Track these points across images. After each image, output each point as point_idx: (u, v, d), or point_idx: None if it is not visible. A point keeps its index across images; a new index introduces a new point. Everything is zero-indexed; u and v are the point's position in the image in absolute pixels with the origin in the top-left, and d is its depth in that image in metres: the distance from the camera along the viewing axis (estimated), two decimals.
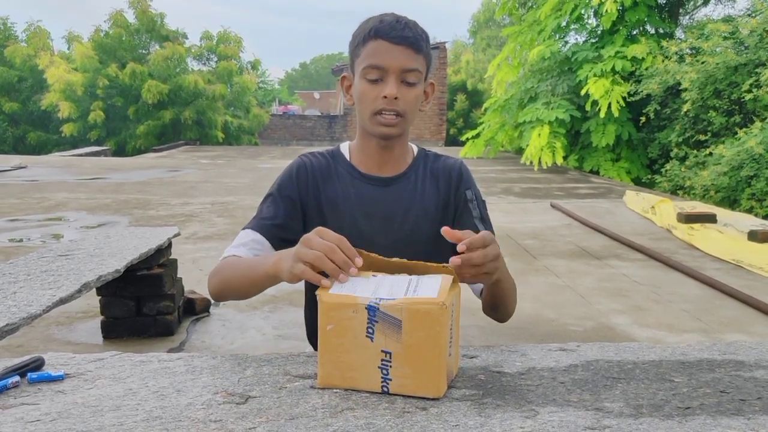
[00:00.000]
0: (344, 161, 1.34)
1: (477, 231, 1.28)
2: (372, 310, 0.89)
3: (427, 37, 1.24)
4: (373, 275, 0.96)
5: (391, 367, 0.90)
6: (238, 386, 0.95)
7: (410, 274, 0.97)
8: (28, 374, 0.97)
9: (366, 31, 1.21)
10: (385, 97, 1.20)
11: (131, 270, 2.73)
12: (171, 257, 3.18)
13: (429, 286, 0.91)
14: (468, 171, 1.38)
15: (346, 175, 1.32)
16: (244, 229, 1.29)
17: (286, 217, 1.28)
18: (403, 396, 0.90)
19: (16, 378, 0.95)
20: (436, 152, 1.40)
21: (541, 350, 1.12)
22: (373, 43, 1.20)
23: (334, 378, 0.92)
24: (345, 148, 1.37)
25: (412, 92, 1.22)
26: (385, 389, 0.91)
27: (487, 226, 1.32)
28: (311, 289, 1.34)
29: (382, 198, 1.30)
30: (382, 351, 0.90)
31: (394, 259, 0.99)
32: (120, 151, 18.07)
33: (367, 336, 0.90)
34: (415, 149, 1.38)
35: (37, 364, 1.01)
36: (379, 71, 1.20)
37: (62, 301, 1.89)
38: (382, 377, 0.90)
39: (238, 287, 1.19)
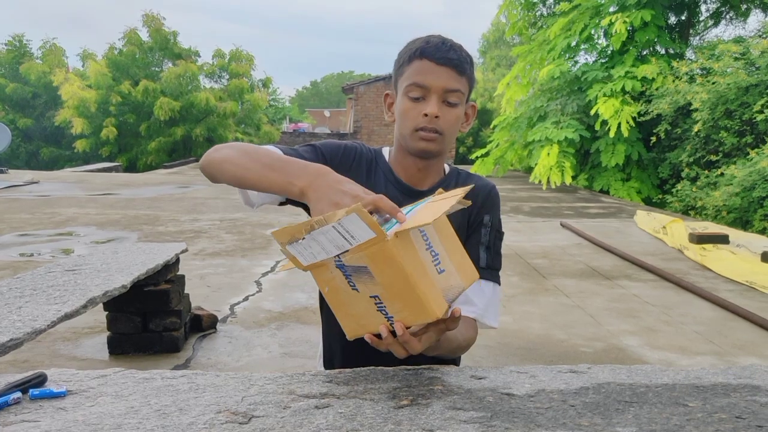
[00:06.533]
0: (384, 163, 1.34)
1: (477, 257, 1.26)
2: (341, 267, 0.90)
3: (471, 61, 1.25)
4: (300, 239, 0.91)
5: (385, 306, 0.92)
6: (242, 405, 0.93)
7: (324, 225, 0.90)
8: (30, 390, 0.96)
9: (412, 51, 1.22)
10: (426, 115, 1.20)
11: (138, 286, 2.73)
12: (178, 273, 3.18)
13: (357, 228, 0.85)
14: (497, 197, 1.34)
15: (383, 176, 1.32)
16: (272, 144, 1.24)
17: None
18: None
19: (18, 394, 0.94)
20: (468, 171, 1.39)
21: (551, 372, 1.10)
22: (417, 63, 1.21)
23: (356, 329, 0.95)
24: (386, 151, 1.37)
25: (453, 112, 1.22)
26: (393, 324, 0.93)
27: (492, 255, 1.28)
28: (329, 311, 1.28)
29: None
30: (371, 297, 0.92)
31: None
32: (131, 167, 18.24)
33: (353, 289, 0.92)
34: (447, 168, 1.38)
35: (39, 381, 1.00)
36: (422, 90, 1.20)
37: (67, 317, 1.89)
38: (386, 317, 0.93)
39: (246, 169, 1.09)
